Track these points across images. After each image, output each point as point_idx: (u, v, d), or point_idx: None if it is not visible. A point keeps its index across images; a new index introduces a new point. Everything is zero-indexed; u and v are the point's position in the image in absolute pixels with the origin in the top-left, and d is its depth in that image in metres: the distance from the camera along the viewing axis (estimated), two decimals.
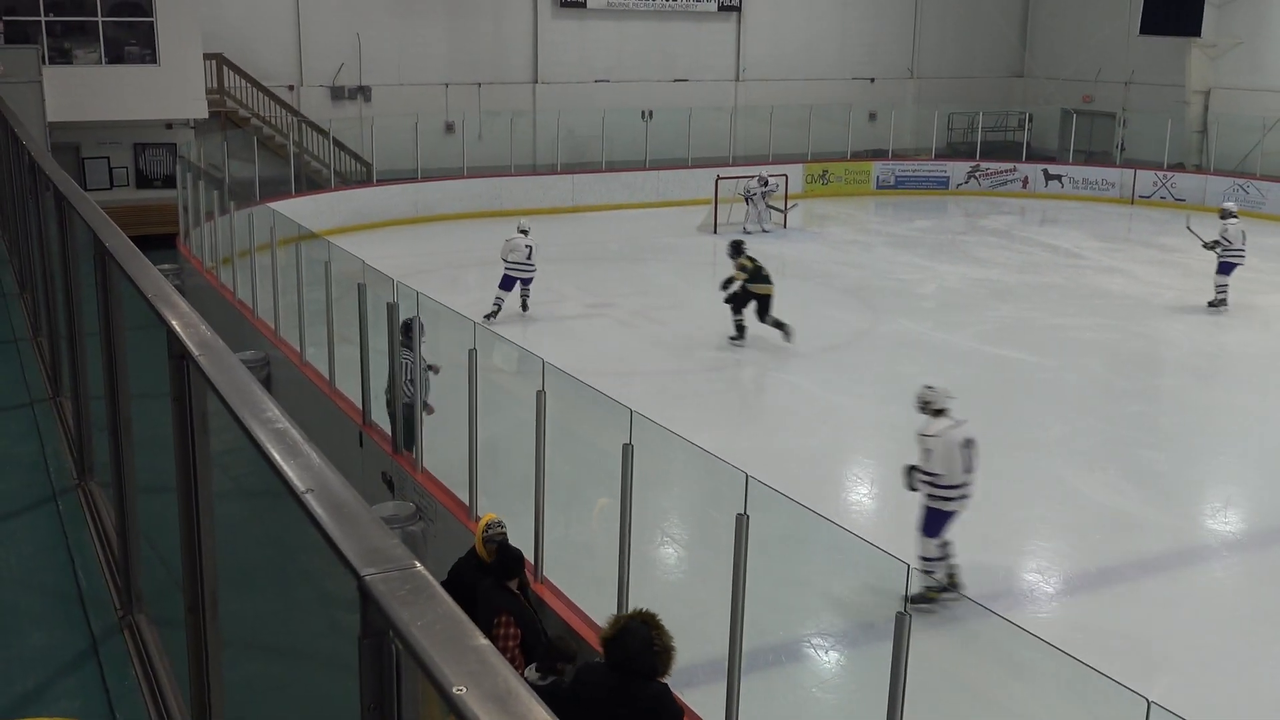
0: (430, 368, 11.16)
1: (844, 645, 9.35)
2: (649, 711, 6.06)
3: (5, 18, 22.49)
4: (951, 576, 9.41)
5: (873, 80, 36.34)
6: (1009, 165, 32.46)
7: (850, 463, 13.44)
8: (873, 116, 34.10)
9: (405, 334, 10.79)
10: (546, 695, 6.25)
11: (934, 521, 9.47)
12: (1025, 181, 32.06)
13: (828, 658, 9.26)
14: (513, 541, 7.60)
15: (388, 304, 10.62)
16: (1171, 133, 30.46)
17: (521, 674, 6.89)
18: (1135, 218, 29.51)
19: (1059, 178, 31.89)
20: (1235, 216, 19.37)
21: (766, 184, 26.09)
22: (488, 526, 7.44)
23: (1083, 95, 35.08)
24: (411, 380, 10.51)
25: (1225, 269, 19.24)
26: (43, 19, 23.49)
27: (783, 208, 26.74)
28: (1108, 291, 21.31)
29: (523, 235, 18.67)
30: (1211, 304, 19.34)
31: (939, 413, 9.60)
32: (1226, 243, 19.09)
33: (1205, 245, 19.39)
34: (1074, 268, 23.23)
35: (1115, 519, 11.69)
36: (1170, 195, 30.25)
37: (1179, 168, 31.10)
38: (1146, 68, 33.71)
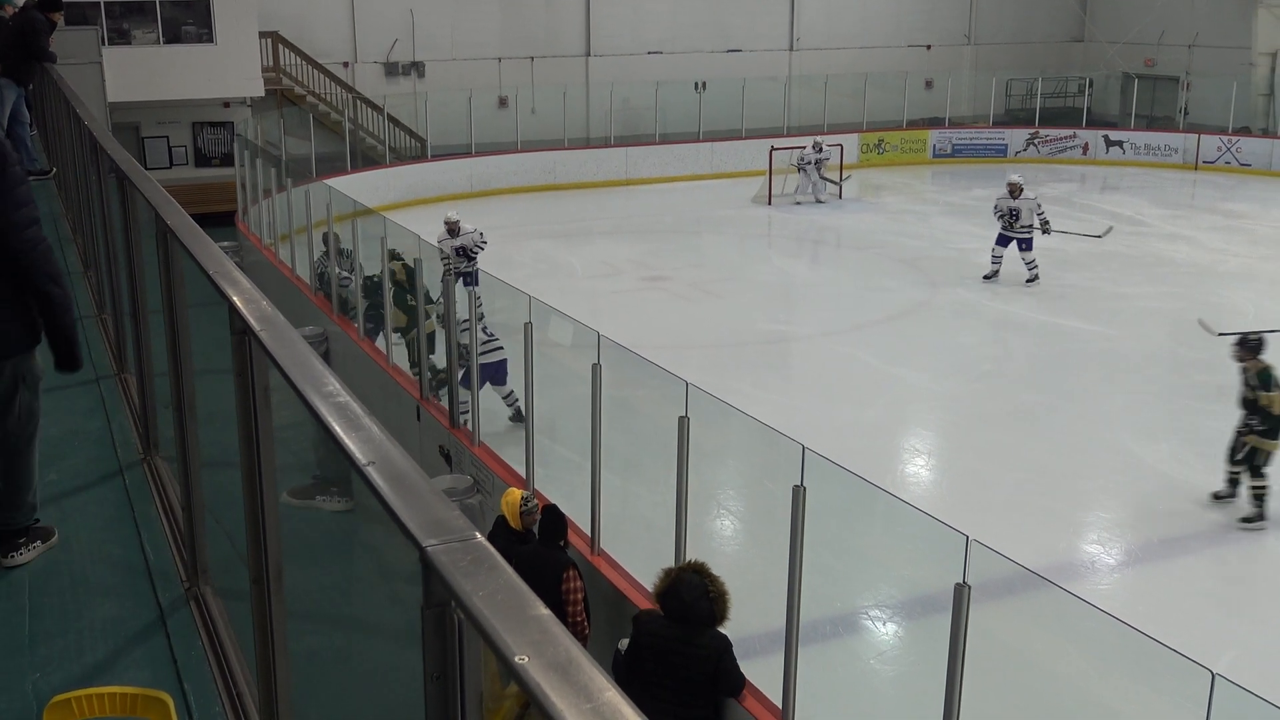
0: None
1: (902, 617, 9.31)
2: (712, 660, 6.13)
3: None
4: None
5: (929, 47, 35.87)
6: (1069, 131, 31.92)
7: (908, 434, 13.35)
8: (929, 84, 33.68)
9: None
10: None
11: None
12: (1085, 148, 31.52)
13: (886, 629, 9.23)
14: (568, 514, 7.66)
15: (443, 279, 10.68)
16: (1237, 96, 29.78)
17: (585, 628, 6.97)
18: (1199, 184, 28.94)
19: (1120, 144, 31.32)
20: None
21: (821, 150, 25.79)
22: (524, 501, 7.61)
23: (1145, 59, 34.38)
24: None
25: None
26: (102, 0, 23.80)
27: (837, 179, 26.50)
28: (1171, 259, 20.95)
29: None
30: None
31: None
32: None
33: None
34: (1136, 235, 22.84)
35: (1179, 490, 11.51)
36: (1236, 160, 29.62)
37: (1245, 132, 30.40)
38: (1211, 30, 32.96)
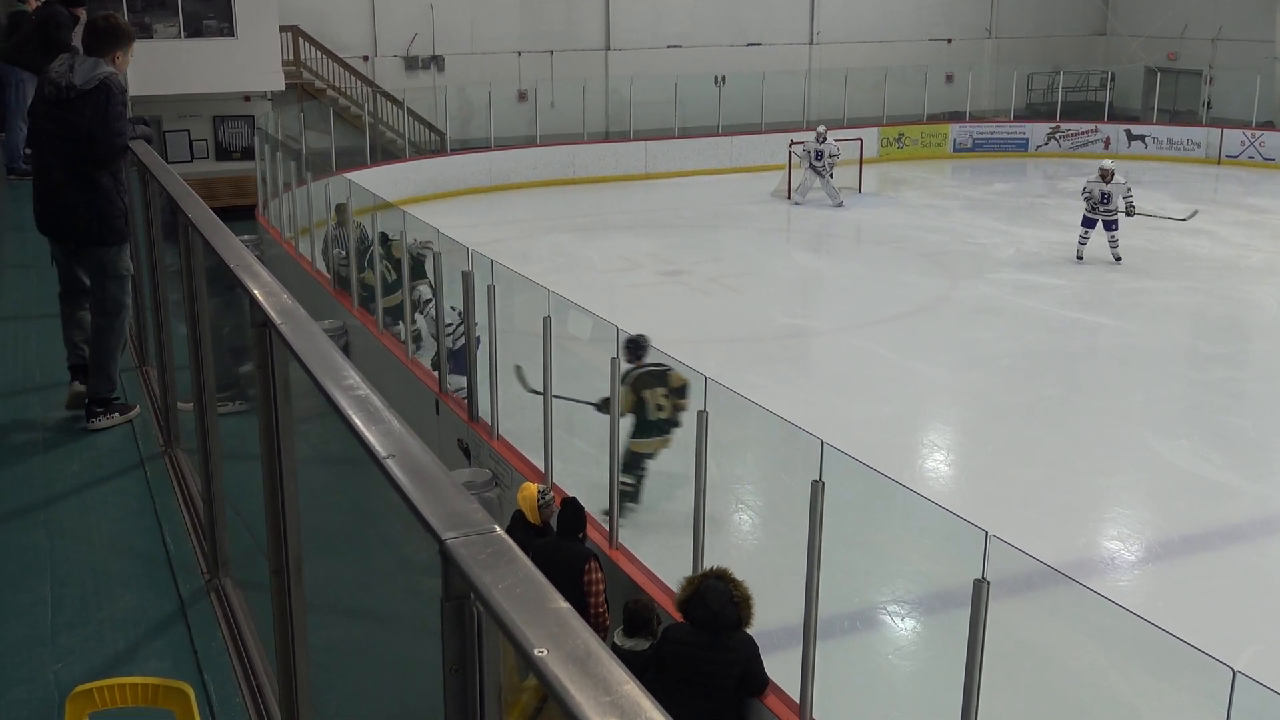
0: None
1: (920, 612, 9.29)
2: (741, 663, 6.13)
3: None
4: None
5: (949, 41, 35.69)
6: (1090, 126, 31.72)
7: (926, 429, 13.31)
8: (949, 78, 33.50)
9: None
10: (636, 660, 6.30)
11: None
12: (1107, 142, 31.33)
13: (904, 625, 9.22)
14: (588, 508, 7.68)
15: (463, 272, 10.70)
16: (1260, 90, 29.54)
17: (606, 619, 6.98)
18: (1222, 178, 28.74)
19: (1142, 138, 31.11)
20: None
21: (824, 140, 25.44)
22: (541, 495, 7.68)
23: (1167, 53, 34.14)
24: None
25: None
26: None
27: (855, 177, 26.19)
28: (1193, 254, 20.82)
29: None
30: None
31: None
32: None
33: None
34: (1158, 230, 22.68)
35: (1200, 486, 11.46)
36: (1259, 155, 29.39)
37: (1268, 126, 30.16)
38: (1234, 23, 32.70)
